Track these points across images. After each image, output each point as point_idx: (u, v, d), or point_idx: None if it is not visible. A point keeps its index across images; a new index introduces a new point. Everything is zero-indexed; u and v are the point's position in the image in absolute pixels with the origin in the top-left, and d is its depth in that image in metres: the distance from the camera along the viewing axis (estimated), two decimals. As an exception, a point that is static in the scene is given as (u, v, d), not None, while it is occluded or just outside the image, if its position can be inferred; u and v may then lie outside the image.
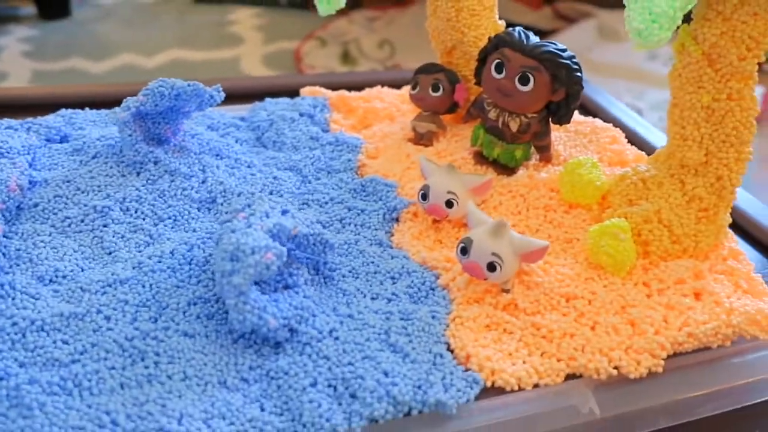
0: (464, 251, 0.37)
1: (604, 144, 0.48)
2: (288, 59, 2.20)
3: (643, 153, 0.48)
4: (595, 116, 0.62)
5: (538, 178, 0.45)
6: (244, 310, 0.32)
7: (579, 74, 0.43)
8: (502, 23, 0.51)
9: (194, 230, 0.42)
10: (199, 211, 0.45)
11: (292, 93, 0.60)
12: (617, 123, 0.59)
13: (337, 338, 0.34)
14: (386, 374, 0.32)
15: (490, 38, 0.45)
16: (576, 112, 0.55)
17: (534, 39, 0.43)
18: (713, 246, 0.40)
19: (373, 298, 0.38)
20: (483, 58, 0.46)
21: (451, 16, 0.50)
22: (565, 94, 0.43)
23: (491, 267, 0.36)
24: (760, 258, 0.45)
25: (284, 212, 0.38)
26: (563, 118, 0.45)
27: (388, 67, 1.91)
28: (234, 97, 0.64)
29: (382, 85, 0.61)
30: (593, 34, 1.98)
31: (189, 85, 0.45)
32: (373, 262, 0.41)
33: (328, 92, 0.59)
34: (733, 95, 0.37)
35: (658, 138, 0.57)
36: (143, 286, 0.36)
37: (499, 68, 0.44)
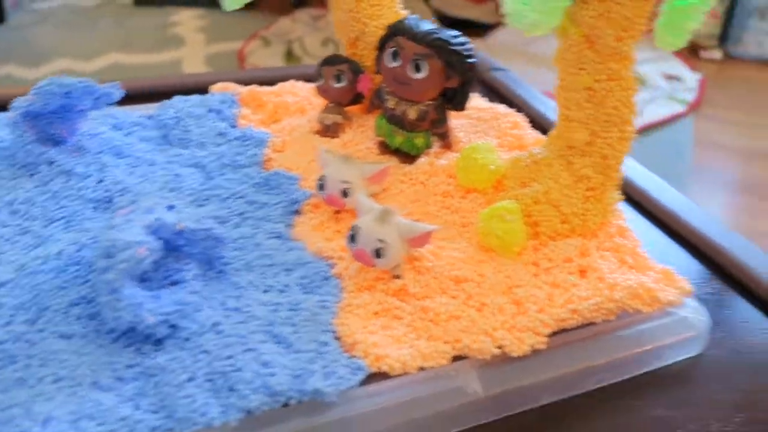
0: (352, 239, 0.37)
1: (505, 129, 0.49)
2: (231, 60, 2.17)
3: (544, 137, 0.49)
4: (505, 100, 0.63)
5: (437, 164, 0.45)
6: (117, 307, 0.31)
7: (472, 60, 0.43)
8: (406, 13, 0.52)
9: (87, 230, 0.41)
10: (94, 211, 0.44)
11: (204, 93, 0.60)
12: (526, 107, 0.60)
13: (219, 332, 0.34)
14: (265, 365, 0.32)
15: (387, 27, 0.45)
16: (483, 99, 0.55)
17: (427, 26, 0.44)
18: (601, 224, 0.40)
19: (265, 291, 0.38)
20: (381, 46, 0.46)
21: (353, 7, 0.50)
22: (459, 81, 0.44)
23: (378, 253, 0.36)
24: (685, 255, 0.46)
25: (170, 208, 0.37)
26: (459, 105, 0.45)
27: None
28: (149, 96, 0.63)
29: (297, 79, 0.61)
30: (533, 26, 2.01)
31: (80, 83, 0.44)
32: (268, 255, 0.40)
33: (239, 87, 0.58)
34: (612, 76, 0.38)
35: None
36: (22, 289, 0.36)
37: (394, 56, 0.44)
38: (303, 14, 2.31)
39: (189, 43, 2.32)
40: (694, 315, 0.38)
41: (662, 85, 1.89)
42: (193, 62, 2.20)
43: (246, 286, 0.38)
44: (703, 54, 2.13)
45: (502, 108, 0.52)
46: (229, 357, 0.32)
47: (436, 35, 0.42)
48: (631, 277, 0.37)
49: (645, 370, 0.36)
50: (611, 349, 0.35)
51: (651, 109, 1.77)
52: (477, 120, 0.50)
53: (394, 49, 0.44)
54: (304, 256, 0.40)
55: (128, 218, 0.34)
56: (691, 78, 1.96)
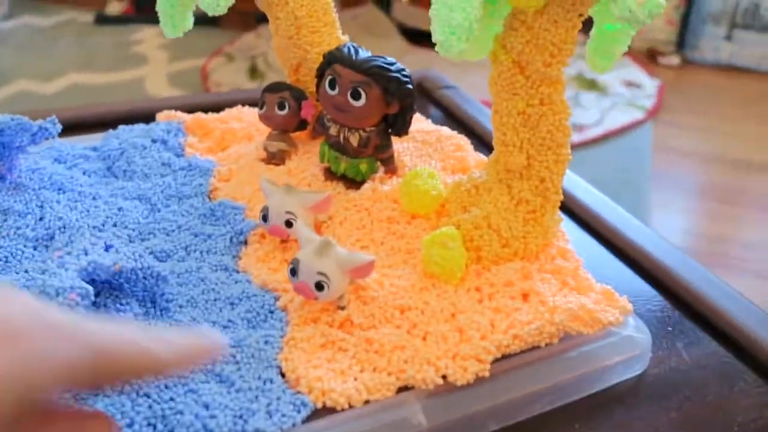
0: (293, 272, 0.37)
1: (448, 152, 0.49)
2: (195, 77, 2.16)
3: (485, 158, 0.50)
4: (456, 119, 0.63)
5: (381, 190, 0.45)
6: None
7: (409, 86, 0.43)
8: (346, 38, 0.52)
9: (26, 271, 0.40)
10: (35, 249, 0.43)
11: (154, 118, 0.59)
12: (477, 125, 0.61)
13: (159, 373, 0.33)
14: (206, 407, 0.32)
15: (324, 55, 0.45)
16: (428, 121, 0.56)
17: (364, 54, 0.44)
18: (542, 246, 0.41)
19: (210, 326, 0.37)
20: (320, 74, 0.46)
21: (292, 34, 0.50)
22: (399, 107, 0.44)
23: (319, 286, 0.36)
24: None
25: (108, 248, 0.37)
26: (401, 130, 0.45)
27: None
28: (94, 125, 0.62)
29: (243, 105, 0.60)
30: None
31: (12, 119, 0.43)
32: (213, 289, 0.40)
33: (184, 116, 0.58)
34: (544, 100, 0.39)
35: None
36: (-44, 337, 0.35)
37: (332, 84, 0.44)
38: (266, 29, 2.31)
39: (151, 61, 2.30)
40: (636, 333, 0.38)
41: (622, 91, 1.93)
42: (155, 80, 2.18)
43: (189, 323, 0.38)
44: (661, 60, 2.18)
45: (445, 130, 0.52)
46: (171, 399, 0.32)
47: (373, 63, 0.43)
48: (571, 299, 0.38)
49: (590, 392, 0.36)
50: (555, 372, 0.36)
51: (611, 115, 1.80)
52: (422, 143, 0.50)
53: (331, 77, 0.44)
54: (250, 288, 0.40)
55: (62, 261, 0.34)
56: (650, 84, 2.00)
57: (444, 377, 0.34)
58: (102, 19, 2.51)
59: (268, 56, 2.29)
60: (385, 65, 0.43)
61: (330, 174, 0.48)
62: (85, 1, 2.61)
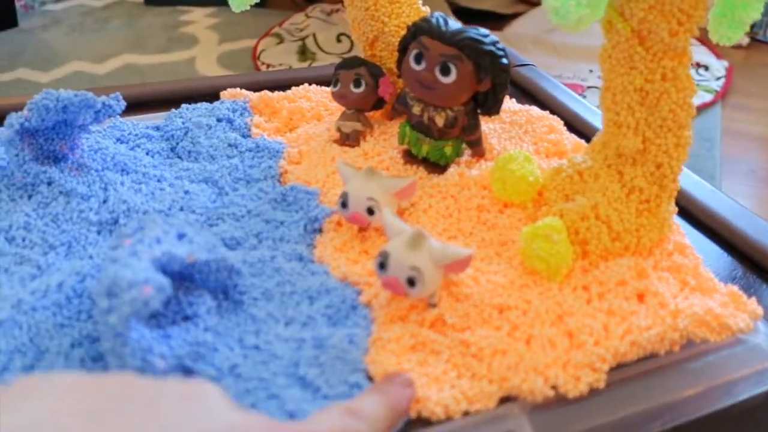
0: (382, 266, 0.33)
1: (540, 134, 0.45)
2: (245, 58, 2.14)
3: (583, 141, 0.45)
4: (533, 99, 0.59)
5: (469, 175, 0.41)
6: (123, 354, 0.28)
7: (504, 61, 0.39)
8: (426, 9, 0.48)
9: (90, 257, 0.38)
10: (98, 234, 0.40)
11: (217, 96, 0.56)
12: (559, 107, 0.56)
13: (239, 375, 0.30)
14: (291, 416, 0.28)
15: (408, 27, 0.41)
16: (513, 101, 0.51)
17: (454, 25, 0.40)
18: (657, 241, 0.36)
19: (286, 324, 0.34)
20: (403, 48, 0.42)
21: (370, 5, 0.46)
22: (491, 84, 0.40)
23: (411, 282, 0.32)
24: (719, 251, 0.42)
25: (180, 236, 0.34)
26: (492, 110, 0.41)
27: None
28: (154, 103, 0.60)
29: (310, 83, 0.57)
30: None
31: (76, 96, 0.41)
32: (289, 281, 0.37)
33: (250, 94, 0.54)
34: (667, 75, 0.34)
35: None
36: (20, 328, 0.32)
37: (418, 59, 0.40)
38: (316, 9, 2.27)
39: (201, 42, 2.30)
40: (767, 341, 0.34)
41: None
42: (205, 61, 2.17)
43: (265, 319, 0.34)
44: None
45: (536, 110, 0.48)
46: (252, 406, 0.29)
47: (465, 34, 0.38)
48: (695, 301, 0.33)
49: (716, 408, 0.32)
50: (677, 385, 0.31)
51: (676, 98, 1.71)
52: (510, 124, 0.46)
53: (417, 50, 0.40)
54: (329, 281, 0.37)
55: (134, 250, 0.31)
56: (718, 66, 1.90)
57: (554, 388, 0.30)
58: (152, 0, 2.51)
59: (318, 37, 2.26)
60: (478, 37, 0.39)
61: (410, 157, 0.44)
62: (136, -18, 2.61)
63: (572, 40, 1.90)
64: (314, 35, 2.28)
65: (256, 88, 0.56)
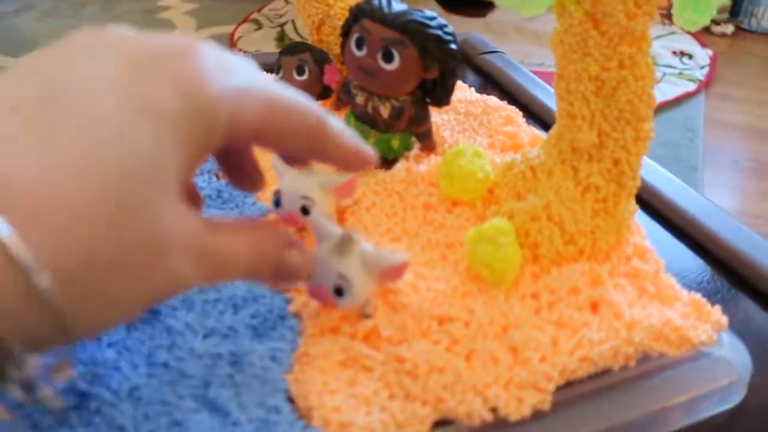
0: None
1: (496, 126, 0.42)
2: (222, 44, 2.09)
3: (543, 133, 0.42)
4: (500, 88, 0.56)
5: (416, 171, 0.38)
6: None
7: (453, 46, 0.36)
8: (376, -9, 0.44)
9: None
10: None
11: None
12: (525, 95, 0.53)
13: (139, 399, 0.27)
14: (194, 445, 0.25)
15: (350, 9, 0.38)
16: (471, 90, 0.48)
17: (399, 6, 0.36)
18: (615, 244, 0.33)
19: (205, 336, 0.31)
20: (346, 32, 0.39)
21: (315, -15, 0.43)
22: (439, 71, 0.36)
23: (338, 291, 0.29)
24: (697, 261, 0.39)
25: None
26: (441, 99, 0.38)
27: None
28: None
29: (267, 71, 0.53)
30: (535, 2, 1.92)
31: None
32: (214, 287, 0.34)
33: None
34: (624, 62, 0.31)
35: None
36: None
37: (359, 44, 0.36)
38: (295, -5, 2.22)
39: (179, 28, 2.25)
40: (733, 354, 0.31)
41: (672, 62, 1.81)
42: (181, 48, 2.12)
43: (182, 331, 0.31)
44: (714, 28, 2.04)
45: (493, 100, 0.44)
46: (150, 433, 0.26)
47: (409, 17, 0.35)
48: (653, 311, 0.30)
49: (675, 428, 0.29)
50: (633, 404, 0.29)
51: (661, 87, 1.68)
52: (464, 115, 0.43)
53: (358, 35, 0.36)
54: (257, 287, 0.33)
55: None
56: (702, 54, 1.87)
57: (493, 410, 0.27)
58: (128, -15, 2.44)
59: (297, 23, 2.22)
60: (423, 20, 0.35)
61: (356, 150, 0.41)
62: (111, -33, 2.56)
63: (552, 27, 1.86)
64: (293, 21, 2.23)
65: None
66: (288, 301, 0.32)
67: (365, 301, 0.30)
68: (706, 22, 0.34)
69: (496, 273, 0.31)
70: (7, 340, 0.19)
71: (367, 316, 0.31)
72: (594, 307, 0.31)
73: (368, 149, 0.27)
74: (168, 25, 2.25)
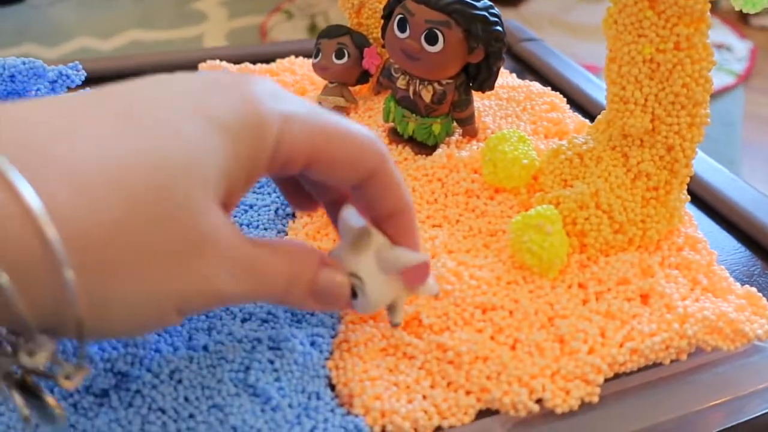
0: None
1: (540, 112, 0.40)
2: (254, 34, 2.10)
3: (587, 121, 0.41)
4: (539, 76, 0.54)
5: (458, 157, 0.37)
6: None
7: (499, 28, 0.35)
8: (419, -27, 0.43)
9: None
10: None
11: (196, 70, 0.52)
12: (565, 83, 0.52)
13: (179, 381, 0.26)
14: (234, 430, 0.25)
15: (393, -10, 0.37)
16: (513, 76, 0.47)
17: (443, -13, 0.35)
18: (665, 234, 0.32)
19: (244, 320, 0.30)
20: (388, 14, 0.38)
21: (355, -34, 0.42)
22: (484, 54, 0.35)
23: (353, 292, 0.26)
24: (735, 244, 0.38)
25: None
26: (485, 84, 0.37)
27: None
28: (122, 78, 0.56)
29: (297, 56, 0.53)
30: (570, -6, 1.90)
31: (24, 63, 0.37)
32: (253, 272, 0.33)
33: (230, 66, 0.50)
34: (681, 43, 0.30)
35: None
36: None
37: (401, 25, 0.36)
38: (328, -15, 2.22)
39: (211, 18, 2.26)
40: (788, 350, 0.29)
41: (709, 53, 1.76)
42: (214, 37, 2.13)
43: (221, 314, 0.31)
44: (754, 20, 1.98)
45: (536, 86, 0.43)
46: (190, 416, 0.25)
47: (454, -3, 0.34)
48: (706, 304, 0.29)
49: (728, 425, 0.28)
50: (684, 399, 0.27)
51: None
52: (507, 101, 0.42)
53: (401, 16, 0.35)
54: (295, 273, 0.33)
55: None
56: (741, 47, 1.82)
57: (539, 401, 0.27)
58: (161, -25, 2.46)
59: (329, 13, 2.21)
60: (468, 1, 0.34)
61: (396, 136, 0.40)
62: (144, -43, 2.58)
63: (590, 19, 1.83)
64: (325, 12, 2.23)
65: (240, 60, 0.52)
66: (327, 287, 0.32)
67: (392, 306, 0.27)
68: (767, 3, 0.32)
69: (543, 262, 0.30)
70: (25, 314, 0.18)
71: (396, 326, 0.28)
72: (644, 298, 0.30)
73: (417, 235, 0.27)
74: (200, 16, 2.26)
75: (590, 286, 0.30)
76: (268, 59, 0.53)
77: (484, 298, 0.30)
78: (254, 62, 0.51)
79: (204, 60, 0.52)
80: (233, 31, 2.18)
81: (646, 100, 0.31)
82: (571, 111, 0.42)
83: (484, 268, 0.31)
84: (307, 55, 0.53)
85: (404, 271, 0.26)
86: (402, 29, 0.36)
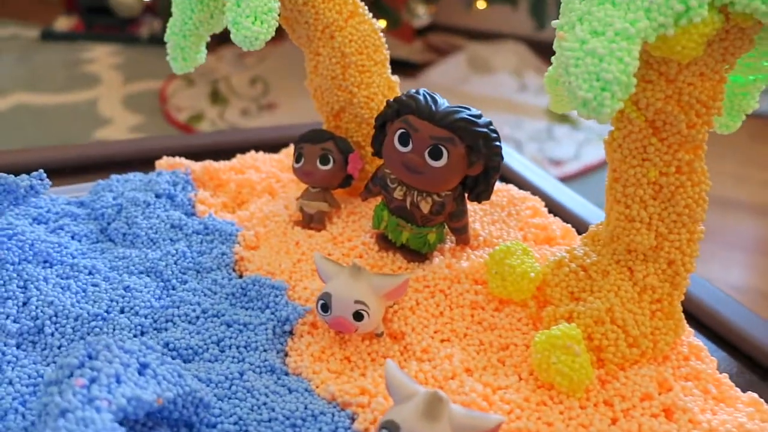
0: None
1: (525, 218, 0.42)
2: (152, 100, 2.04)
3: (569, 225, 0.42)
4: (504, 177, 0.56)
5: (458, 267, 0.37)
6: None
7: (498, 144, 0.36)
8: (396, 79, 0.44)
9: (10, 382, 0.31)
10: (18, 349, 0.33)
11: (146, 161, 0.50)
12: (522, 180, 0.54)
13: None
14: None
15: (389, 102, 0.37)
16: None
17: (443, 102, 0.36)
18: (672, 344, 0.33)
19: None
20: (381, 124, 0.38)
21: (337, 74, 0.42)
22: (483, 168, 0.36)
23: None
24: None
25: (143, 368, 0.27)
26: (482, 195, 0.37)
27: (262, 105, 1.81)
28: (72, 170, 0.52)
29: (257, 149, 0.51)
30: (465, 66, 1.99)
31: (-7, 181, 0.33)
32: (265, 404, 0.31)
33: (191, 164, 0.48)
34: (682, 168, 0.32)
35: (565, 195, 0.51)
36: None
37: (404, 140, 0.36)
38: (227, 51, 2.21)
39: (105, 82, 2.17)
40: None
41: (595, 124, 1.90)
42: (109, 103, 2.05)
43: (241, 459, 0.28)
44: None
45: (515, 190, 0.44)
46: None
47: (459, 115, 0.35)
48: (724, 416, 0.31)
49: None
50: None
51: (587, 151, 1.76)
52: (491, 206, 0.43)
53: (403, 130, 0.36)
54: (313, 402, 0.31)
55: (89, 396, 0.24)
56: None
57: None
58: (49, 35, 2.35)
59: (231, 80, 2.19)
60: (471, 118, 0.35)
61: (386, 242, 0.39)
62: (29, 16, 2.46)
63: (482, 90, 1.93)
64: (227, 78, 2.21)
65: (190, 153, 0.50)
66: (352, 419, 0.30)
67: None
68: (738, 126, 0.35)
69: (573, 382, 0.30)
70: None
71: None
72: (668, 413, 0.31)
73: None
74: (93, 79, 2.17)
75: (616, 403, 0.31)
76: (223, 151, 0.51)
77: (519, 424, 0.29)
78: (210, 154, 0.49)
79: (154, 151, 0.49)
80: (130, 97, 2.10)
81: (650, 218, 0.32)
82: (551, 216, 0.43)
83: (510, 388, 0.31)
84: (265, 148, 0.51)
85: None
86: (404, 143, 0.36)
